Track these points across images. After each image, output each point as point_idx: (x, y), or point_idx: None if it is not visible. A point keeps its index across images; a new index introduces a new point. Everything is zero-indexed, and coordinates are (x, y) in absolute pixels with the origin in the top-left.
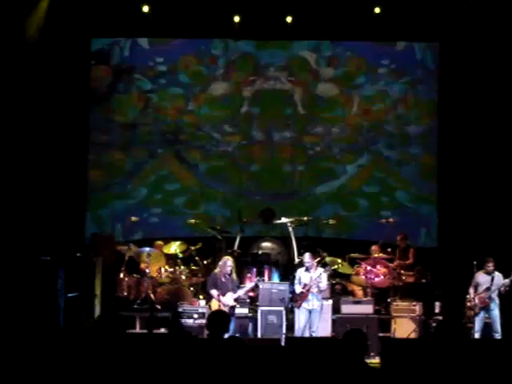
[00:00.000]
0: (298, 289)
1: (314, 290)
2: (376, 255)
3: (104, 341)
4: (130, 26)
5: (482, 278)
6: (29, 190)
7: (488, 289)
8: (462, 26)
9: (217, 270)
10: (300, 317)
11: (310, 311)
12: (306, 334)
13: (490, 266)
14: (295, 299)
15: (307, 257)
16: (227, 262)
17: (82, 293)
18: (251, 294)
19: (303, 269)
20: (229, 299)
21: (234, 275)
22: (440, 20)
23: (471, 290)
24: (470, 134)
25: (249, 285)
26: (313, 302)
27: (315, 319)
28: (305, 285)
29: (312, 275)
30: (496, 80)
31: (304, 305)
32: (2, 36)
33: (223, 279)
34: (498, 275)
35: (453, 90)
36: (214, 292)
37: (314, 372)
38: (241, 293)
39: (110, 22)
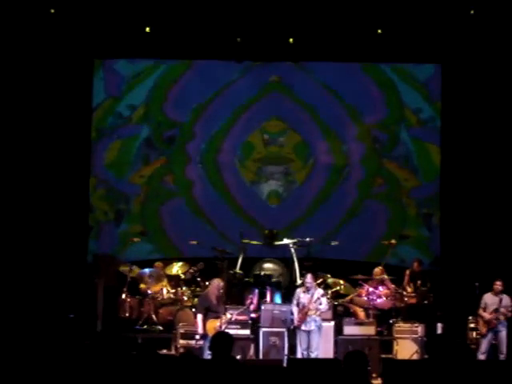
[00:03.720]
0: (296, 310)
1: (312, 312)
2: (378, 277)
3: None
4: (132, 47)
5: (490, 299)
6: (31, 211)
7: (496, 310)
8: (464, 48)
9: (209, 292)
10: (301, 339)
11: (308, 332)
12: (305, 356)
13: (499, 286)
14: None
15: (309, 277)
16: (220, 285)
17: (83, 313)
18: (253, 315)
19: (302, 289)
20: (221, 323)
21: (223, 298)
22: (443, 42)
23: (480, 311)
24: (472, 156)
25: (239, 309)
26: (310, 324)
27: (313, 340)
28: (303, 306)
29: (311, 297)
30: (501, 102)
31: (302, 327)
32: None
33: (215, 302)
34: (506, 297)
35: (456, 113)
36: (199, 317)
37: None
38: (231, 317)
39: (112, 42)
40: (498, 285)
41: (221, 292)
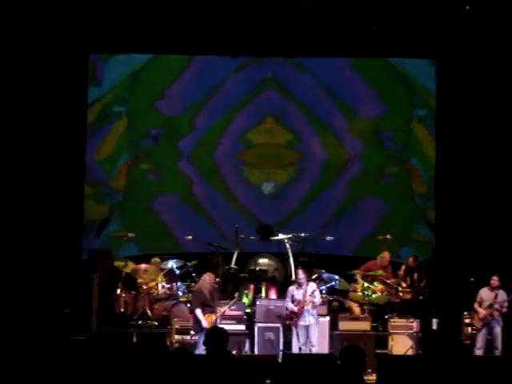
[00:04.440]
0: (292, 307)
1: (309, 306)
2: (386, 264)
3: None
4: (128, 42)
5: (485, 294)
6: (26, 207)
7: (491, 305)
8: (460, 43)
9: (202, 287)
10: (299, 334)
11: (306, 327)
12: (306, 350)
13: (495, 282)
14: (290, 317)
15: (300, 273)
16: (212, 279)
17: (78, 309)
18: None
19: (295, 286)
20: (216, 317)
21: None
22: (438, 37)
23: (476, 306)
24: (468, 151)
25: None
26: (308, 318)
27: (313, 334)
28: (298, 302)
29: (305, 292)
30: (497, 97)
31: (300, 322)
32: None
33: (209, 297)
34: (502, 293)
35: (452, 109)
36: (199, 311)
37: None
38: (225, 310)
39: (108, 37)
40: (495, 280)
41: (214, 286)
